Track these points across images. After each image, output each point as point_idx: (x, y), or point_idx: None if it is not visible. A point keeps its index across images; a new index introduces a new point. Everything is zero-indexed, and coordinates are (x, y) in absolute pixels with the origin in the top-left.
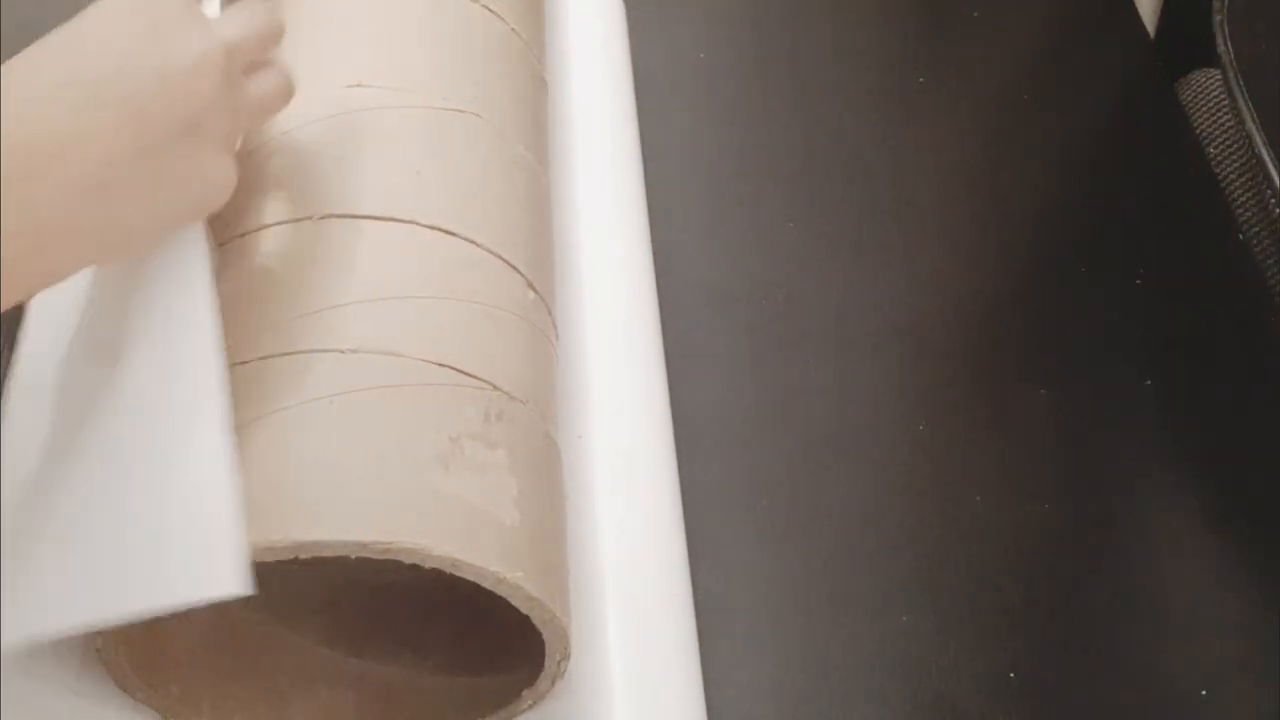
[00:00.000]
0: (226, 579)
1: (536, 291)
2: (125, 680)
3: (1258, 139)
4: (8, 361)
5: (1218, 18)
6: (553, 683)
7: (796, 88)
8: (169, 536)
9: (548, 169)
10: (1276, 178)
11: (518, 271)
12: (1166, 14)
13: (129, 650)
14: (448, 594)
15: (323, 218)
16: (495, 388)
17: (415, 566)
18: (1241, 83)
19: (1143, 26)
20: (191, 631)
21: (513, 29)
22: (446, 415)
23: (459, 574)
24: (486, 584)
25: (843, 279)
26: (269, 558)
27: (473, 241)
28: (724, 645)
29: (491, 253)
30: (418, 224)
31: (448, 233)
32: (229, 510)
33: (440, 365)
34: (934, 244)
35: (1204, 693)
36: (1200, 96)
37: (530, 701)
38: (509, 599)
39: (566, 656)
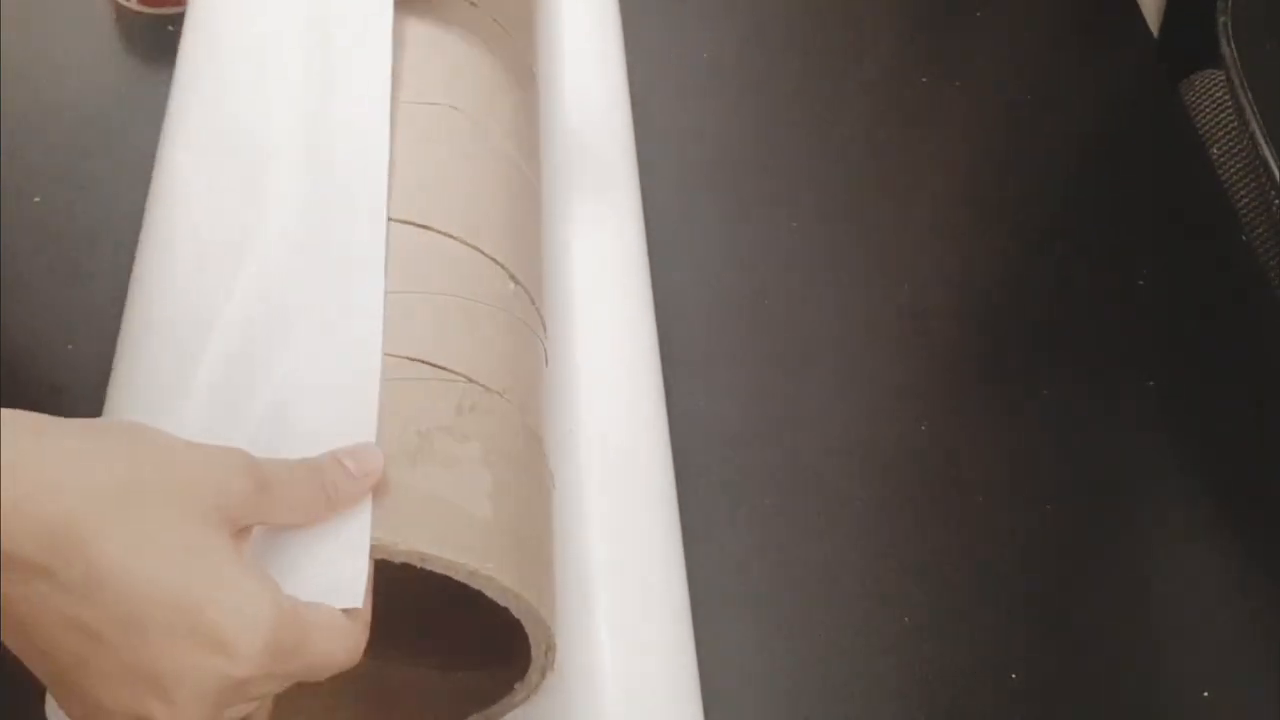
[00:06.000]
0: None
1: (518, 282)
2: None
3: (1261, 140)
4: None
5: (1221, 19)
6: (543, 675)
7: (798, 87)
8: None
9: (536, 159)
10: (1279, 178)
11: (497, 263)
12: (1170, 15)
13: None
14: (446, 590)
15: None
16: (470, 380)
17: (412, 564)
18: (1245, 84)
19: (1146, 27)
20: None
21: (494, 19)
22: (416, 410)
23: (428, 568)
24: (458, 577)
25: (844, 279)
26: None
27: (448, 235)
28: (723, 646)
29: (468, 245)
30: (391, 220)
31: (422, 227)
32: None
33: (411, 360)
34: (936, 244)
35: (1205, 694)
36: (1204, 97)
37: (523, 695)
38: (483, 591)
39: (553, 648)
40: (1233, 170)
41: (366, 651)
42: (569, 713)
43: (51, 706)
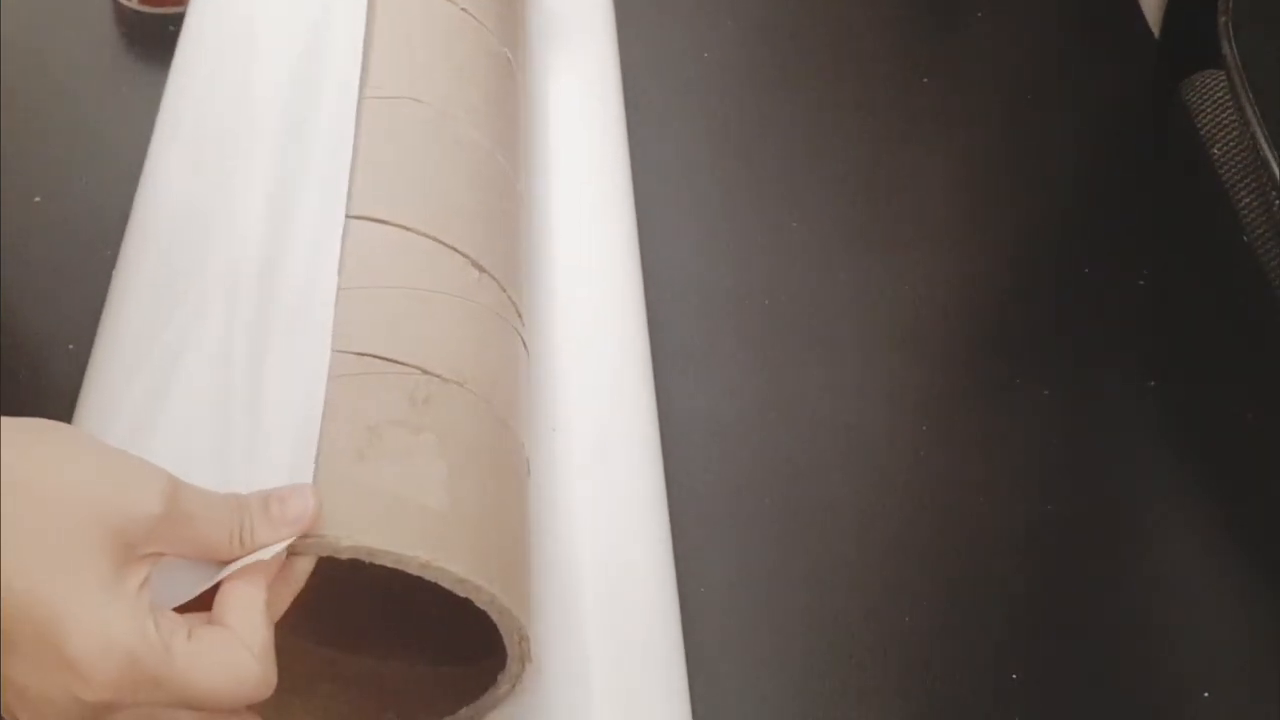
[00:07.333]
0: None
1: (483, 270)
2: None
3: (1262, 140)
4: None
5: (1223, 19)
6: (522, 664)
7: (799, 86)
8: None
9: (513, 146)
10: None
11: (458, 252)
12: (1171, 15)
13: None
14: (438, 587)
15: None
16: (424, 371)
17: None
18: (1246, 84)
19: (1147, 27)
20: None
21: (462, 9)
22: (365, 406)
23: (377, 562)
24: (411, 570)
25: (845, 279)
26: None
27: (405, 227)
28: (716, 645)
29: (426, 236)
30: (349, 217)
31: (378, 221)
32: None
33: (359, 355)
34: (937, 244)
35: (1206, 694)
36: (1204, 98)
37: (506, 686)
38: (439, 583)
39: (525, 637)
40: (1233, 170)
41: (364, 649)
42: (556, 712)
43: None
